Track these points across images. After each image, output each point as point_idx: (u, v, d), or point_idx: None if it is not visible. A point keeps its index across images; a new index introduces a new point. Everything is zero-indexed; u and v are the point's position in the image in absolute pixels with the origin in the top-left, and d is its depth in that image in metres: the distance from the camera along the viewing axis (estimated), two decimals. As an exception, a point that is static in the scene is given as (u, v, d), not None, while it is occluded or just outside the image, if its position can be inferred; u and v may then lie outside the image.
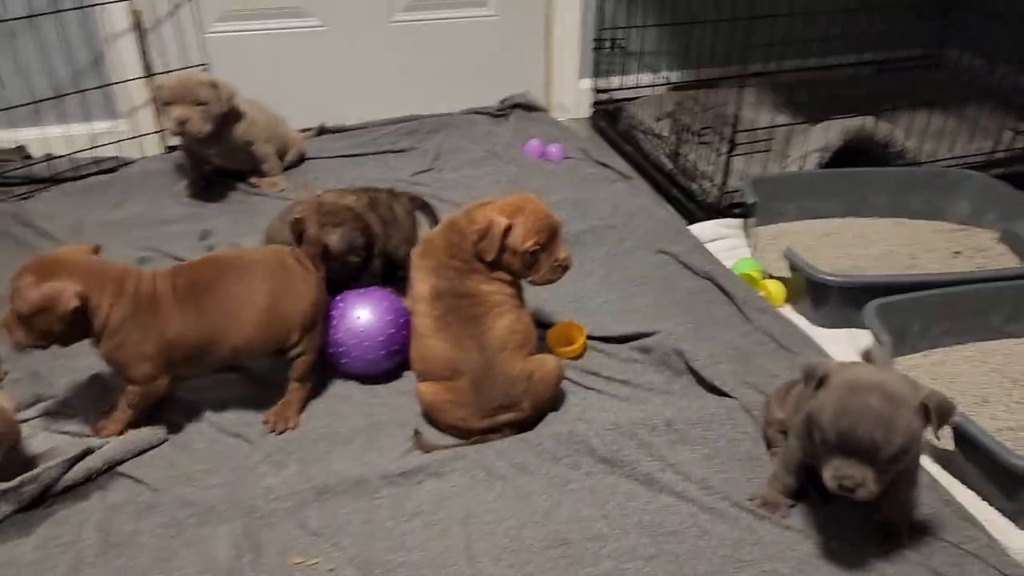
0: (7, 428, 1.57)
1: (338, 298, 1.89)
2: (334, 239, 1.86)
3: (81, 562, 1.46)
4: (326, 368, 1.93)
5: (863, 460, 1.31)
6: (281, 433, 1.76)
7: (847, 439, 1.30)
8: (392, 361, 1.90)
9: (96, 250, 1.72)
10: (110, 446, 1.67)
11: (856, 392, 1.31)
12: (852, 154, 2.76)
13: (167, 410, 1.81)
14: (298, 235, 1.82)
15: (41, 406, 1.81)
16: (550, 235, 1.78)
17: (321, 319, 1.80)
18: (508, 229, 1.74)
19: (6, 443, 1.57)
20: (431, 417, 1.79)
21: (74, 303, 1.56)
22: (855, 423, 1.29)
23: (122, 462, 1.68)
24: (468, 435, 1.74)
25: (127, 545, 1.50)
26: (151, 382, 1.68)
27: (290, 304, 1.73)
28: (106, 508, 1.56)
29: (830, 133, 2.70)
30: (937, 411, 1.31)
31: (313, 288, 1.76)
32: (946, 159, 2.82)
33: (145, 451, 1.71)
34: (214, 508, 1.57)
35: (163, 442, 1.74)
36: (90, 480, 1.63)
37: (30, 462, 1.63)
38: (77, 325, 1.61)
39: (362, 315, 1.85)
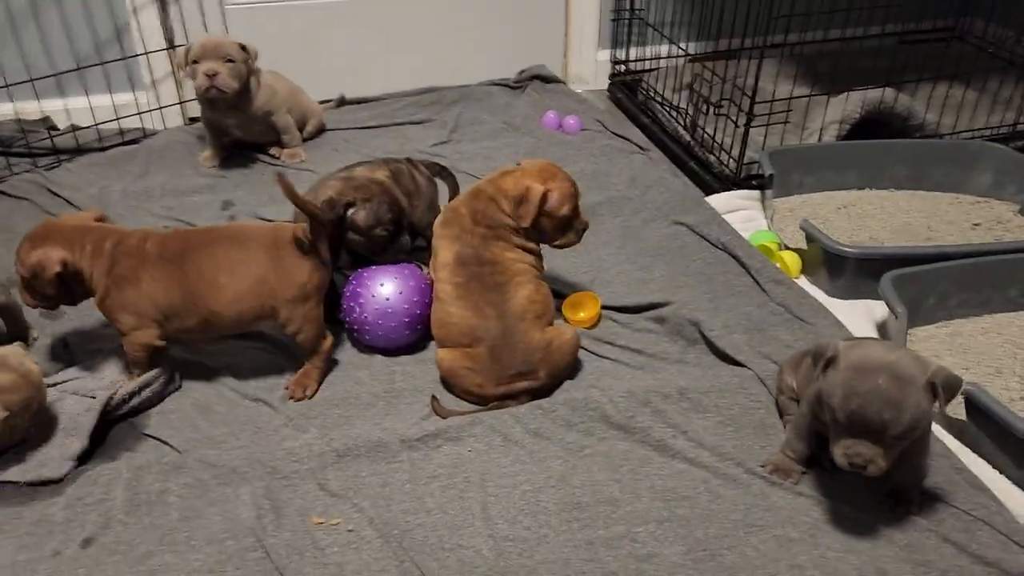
0: (35, 392, 1.62)
1: (364, 273, 1.92)
2: (361, 214, 1.89)
3: (111, 520, 1.51)
4: (347, 337, 1.97)
5: (872, 439, 1.34)
6: (300, 400, 1.80)
7: (856, 420, 1.33)
8: (414, 336, 1.93)
9: (100, 217, 1.82)
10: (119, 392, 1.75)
11: (864, 374, 1.33)
12: (872, 127, 2.75)
13: (190, 375, 1.86)
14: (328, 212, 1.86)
15: (70, 371, 1.86)
16: (577, 199, 1.86)
17: (314, 298, 1.79)
18: (545, 195, 1.79)
19: (34, 406, 1.62)
20: (449, 383, 1.83)
21: (56, 268, 1.67)
22: (864, 405, 1.32)
23: (140, 407, 1.77)
24: (485, 402, 1.78)
25: (154, 504, 1.54)
26: (134, 332, 1.74)
27: (277, 279, 1.74)
28: (134, 469, 1.61)
29: (849, 105, 2.69)
30: (945, 387, 1.33)
31: (306, 267, 1.76)
32: (967, 131, 2.80)
33: (157, 394, 1.80)
34: (237, 469, 1.61)
35: (165, 383, 1.81)
36: (121, 419, 1.74)
37: (56, 423, 1.69)
38: (71, 285, 1.73)
39: (388, 293, 1.87)
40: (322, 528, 1.50)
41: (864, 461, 1.34)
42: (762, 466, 1.61)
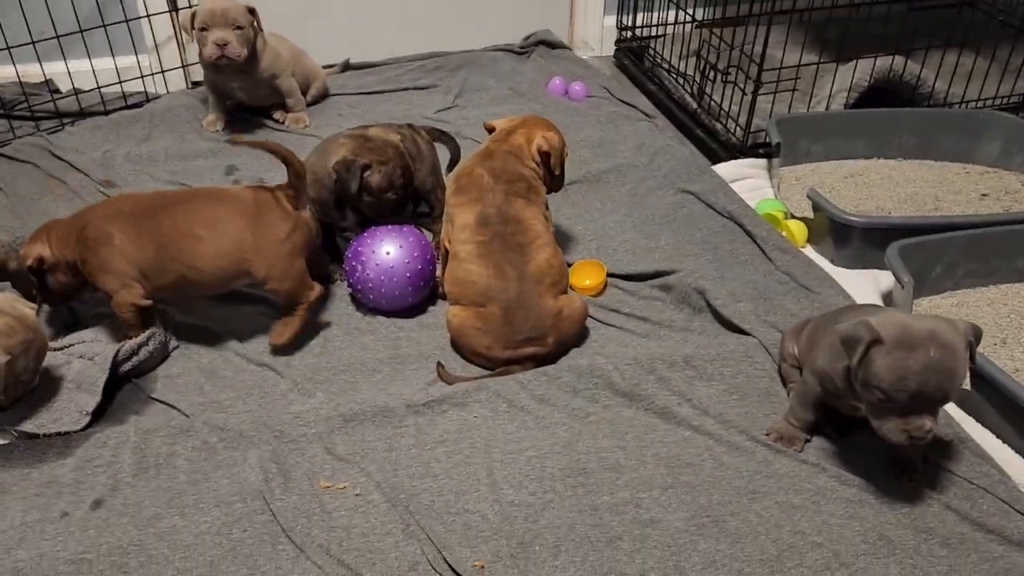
0: (32, 335, 1.62)
1: (365, 234, 1.92)
2: (376, 177, 1.89)
3: (119, 482, 1.52)
4: (351, 301, 1.97)
5: (928, 410, 1.34)
6: (275, 346, 1.82)
7: (917, 397, 1.32)
8: (418, 296, 1.93)
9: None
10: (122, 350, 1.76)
11: (914, 350, 1.31)
12: (880, 95, 2.72)
13: (196, 340, 1.87)
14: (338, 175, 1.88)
15: (76, 335, 1.86)
16: None
17: (295, 257, 1.79)
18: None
19: (33, 349, 1.62)
20: (457, 342, 1.83)
21: (28, 262, 1.76)
22: (923, 382, 1.31)
23: (142, 366, 1.78)
24: (491, 364, 1.78)
25: (162, 467, 1.56)
26: (119, 292, 1.75)
27: (256, 237, 1.75)
28: (141, 432, 1.62)
29: (858, 73, 2.67)
30: (976, 342, 1.35)
31: (285, 226, 1.77)
32: (976, 100, 2.78)
33: (158, 353, 1.81)
34: (244, 433, 1.62)
35: (163, 343, 1.82)
36: (126, 380, 1.77)
37: (62, 381, 1.70)
38: (49, 280, 1.80)
39: (389, 251, 1.87)
40: (329, 492, 1.51)
41: (924, 433, 1.34)
42: (766, 434, 1.61)
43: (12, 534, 1.43)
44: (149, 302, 1.79)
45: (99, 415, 1.68)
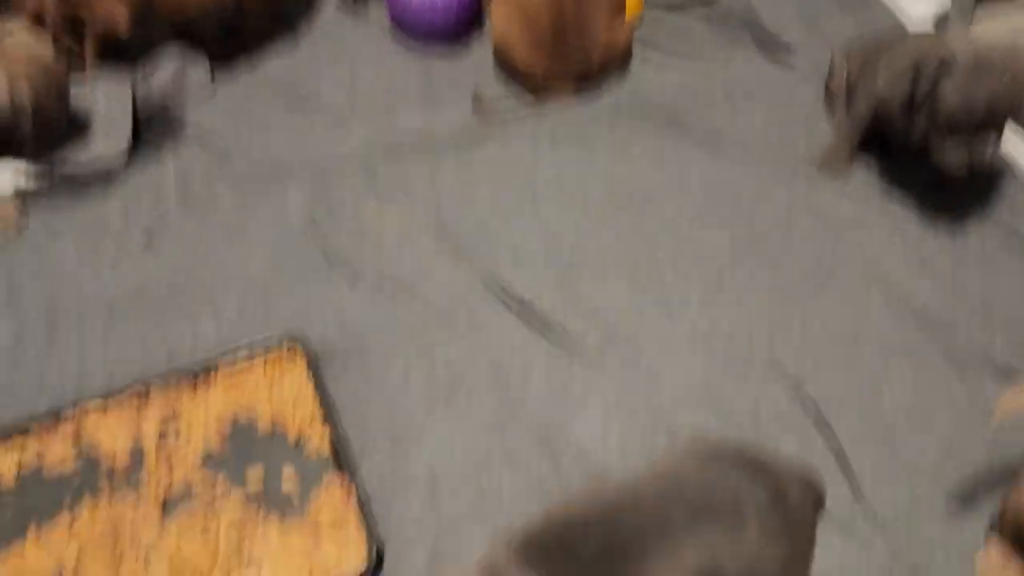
0: (54, 69, 1.57)
1: None
2: None
3: (166, 218, 1.53)
4: (388, 32, 1.88)
5: (995, 134, 1.32)
6: None
7: (984, 122, 1.30)
8: (458, 24, 1.83)
9: None
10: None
11: (988, 73, 1.28)
12: None
13: (223, 69, 1.80)
14: None
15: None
16: None
17: None
18: None
19: (55, 85, 1.57)
20: (498, 49, 1.74)
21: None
22: (993, 106, 1.28)
23: (169, 99, 1.72)
24: (530, 80, 1.71)
25: (207, 202, 1.56)
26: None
27: None
28: (180, 169, 1.61)
29: None
30: None
31: None
32: None
33: (182, 82, 1.75)
34: (285, 165, 1.61)
35: (182, 69, 1.75)
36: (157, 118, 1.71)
37: (90, 121, 1.66)
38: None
39: None
40: (375, 221, 1.52)
41: (985, 157, 1.33)
42: (809, 162, 1.60)
43: (71, 276, 1.45)
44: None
45: (135, 153, 1.65)
